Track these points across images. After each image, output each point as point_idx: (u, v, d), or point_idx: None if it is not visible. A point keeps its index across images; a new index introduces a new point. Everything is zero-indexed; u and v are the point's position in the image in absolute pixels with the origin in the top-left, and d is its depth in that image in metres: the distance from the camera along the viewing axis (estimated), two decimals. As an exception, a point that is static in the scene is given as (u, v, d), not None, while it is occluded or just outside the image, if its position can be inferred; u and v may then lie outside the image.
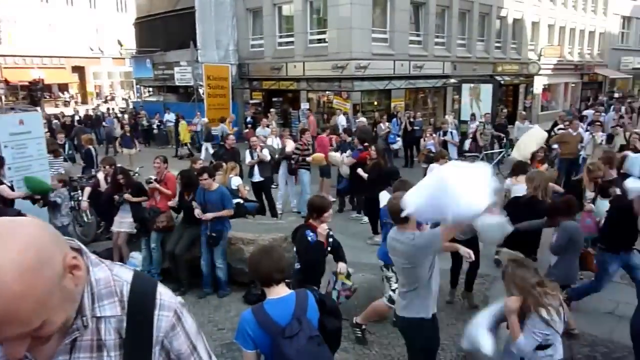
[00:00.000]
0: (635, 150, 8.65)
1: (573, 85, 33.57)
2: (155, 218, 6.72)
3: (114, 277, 1.22)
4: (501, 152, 14.39)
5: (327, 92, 19.86)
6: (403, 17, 20.12)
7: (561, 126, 12.65)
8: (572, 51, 31.93)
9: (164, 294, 1.27)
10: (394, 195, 3.76)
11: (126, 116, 23.99)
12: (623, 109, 18.45)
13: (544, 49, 28.70)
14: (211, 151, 16.84)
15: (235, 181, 7.85)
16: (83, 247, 1.21)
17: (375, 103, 20.41)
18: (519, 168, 7.20)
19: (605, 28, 34.13)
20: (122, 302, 1.20)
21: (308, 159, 10.28)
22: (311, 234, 4.38)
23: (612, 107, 20.63)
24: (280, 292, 2.74)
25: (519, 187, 6.41)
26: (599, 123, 11.62)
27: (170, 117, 20.66)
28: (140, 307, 1.21)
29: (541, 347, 3.29)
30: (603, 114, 16.85)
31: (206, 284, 6.50)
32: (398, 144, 14.68)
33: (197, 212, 6.17)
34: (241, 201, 7.60)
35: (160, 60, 24.98)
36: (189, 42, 20.86)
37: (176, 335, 1.26)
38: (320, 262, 4.59)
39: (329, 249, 4.55)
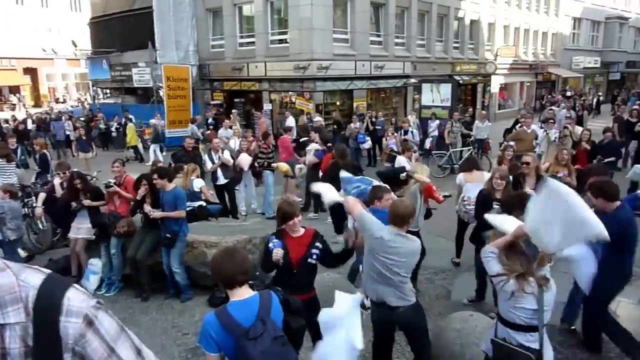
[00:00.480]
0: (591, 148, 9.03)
1: (528, 84, 34.71)
2: (116, 223, 6.56)
3: (19, 282, 1.16)
4: (469, 149, 14.72)
5: (289, 93, 19.83)
6: (363, 18, 20.32)
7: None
8: (526, 51, 32.98)
9: (73, 298, 1.19)
10: (401, 201, 4.06)
11: (82, 118, 23.26)
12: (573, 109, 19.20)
13: (500, 49, 29.57)
14: (159, 153, 16.55)
15: (198, 183, 7.75)
16: None
17: (338, 103, 20.53)
18: (471, 163, 7.37)
19: (557, 29, 35.42)
20: (27, 309, 1.15)
21: (273, 165, 10.23)
22: (275, 240, 4.00)
23: (563, 105, 21.47)
24: (243, 293, 2.72)
25: (472, 186, 6.55)
26: (552, 120, 12.05)
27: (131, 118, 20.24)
28: (44, 314, 1.15)
29: (524, 328, 3.33)
30: (562, 110, 17.51)
31: (169, 288, 6.40)
32: (368, 144, 14.76)
33: (147, 208, 6.17)
34: (204, 204, 7.50)
35: (117, 61, 24.35)
36: (147, 42, 20.42)
37: (88, 342, 1.20)
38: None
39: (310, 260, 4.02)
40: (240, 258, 2.79)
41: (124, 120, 19.60)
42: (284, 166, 10.30)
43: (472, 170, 7.07)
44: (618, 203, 4.54)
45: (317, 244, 4.05)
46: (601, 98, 34.03)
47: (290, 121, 15.90)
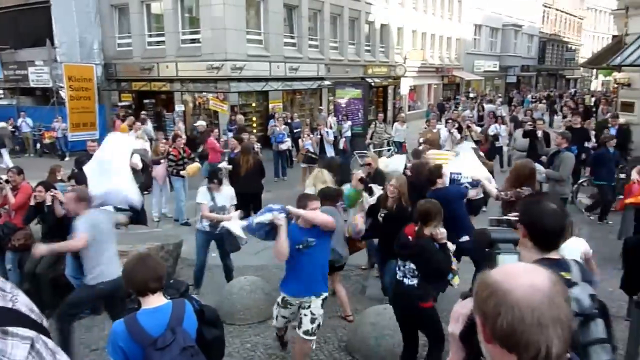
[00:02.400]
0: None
1: (435, 86, 36.61)
2: (11, 236, 6.03)
3: None
4: (389, 149, 15.24)
5: (203, 94, 19.38)
6: (276, 19, 20.35)
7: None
8: (433, 55, 34.78)
9: None
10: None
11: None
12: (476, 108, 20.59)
13: (408, 53, 30.95)
14: (7, 157, 15.52)
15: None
16: None
17: (253, 104, 20.38)
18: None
19: (460, 34, 37.68)
20: None
21: (182, 172, 9.69)
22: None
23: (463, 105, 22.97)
24: (156, 301, 2.66)
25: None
26: (451, 120, 12.82)
27: (29, 121, 18.72)
28: None
29: None
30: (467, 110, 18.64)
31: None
32: (287, 144, 14.70)
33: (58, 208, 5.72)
34: (112, 210, 7.11)
35: (10, 59, 22.34)
36: (45, 39, 18.98)
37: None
38: None
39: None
40: (154, 264, 2.73)
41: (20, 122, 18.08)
42: (194, 168, 9.93)
43: None
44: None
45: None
46: (500, 99, 36.68)
47: (200, 123, 15.37)
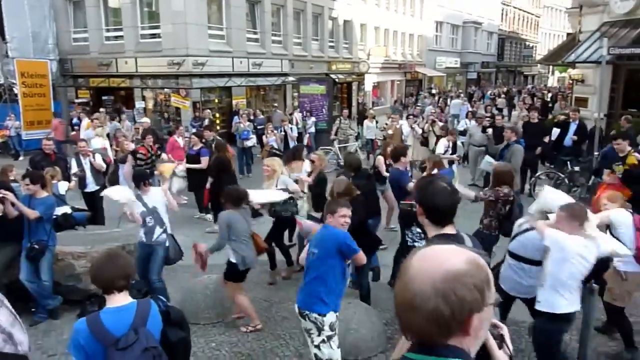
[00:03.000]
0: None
1: (398, 82, 37.05)
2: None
3: None
4: (353, 145, 15.34)
5: (165, 90, 18.98)
6: (239, 14, 20.11)
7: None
8: (396, 51, 35.15)
9: None
10: None
11: None
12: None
13: (371, 49, 31.17)
14: None
15: (63, 186, 7.07)
16: None
17: (216, 101, 20.11)
18: (291, 153, 7.72)
19: (422, 31, 38.23)
20: None
21: (156, 172, 9.45)
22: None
23: (427, 101, 23.36)
24: (121, 300, 2.62)
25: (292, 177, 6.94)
26: (413, 116, 13.03)
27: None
28: None
29: None
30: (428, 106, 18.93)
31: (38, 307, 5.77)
32: (252, 141, 14.51)
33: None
34: (69, 210, 6.88)
35: (-43, 54, 21.32)
36: (-5, 33, 18.19)
37: None
38: None
39: None
40: (123, 262, 2.70)
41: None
42: (167, 167, 9.65)
43: (292, 160, 7.32)
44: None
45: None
46: (461, 95, 37.47)
47: (145, 120, 14.90)
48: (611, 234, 4.37)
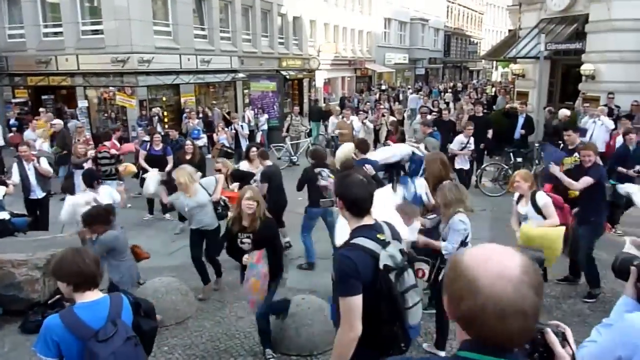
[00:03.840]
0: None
1: (349, 78, 37.36)
2: None
3: None
4: (305, 141, 15.30)
5: (110, 88, 18.30)
6: (186, 10, 19.67)
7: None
8: (345, 48, 35.40)
9: None
10: None
11: None
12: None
13: (321, 46, 31.26)
14: None
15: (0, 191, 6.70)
16: None
17: (164, 99, 19.60)
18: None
19: (371, 28, 38.65)
20: None
21: (121, 168, 9.11)
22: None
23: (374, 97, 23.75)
24: (93, 296, 2.61)
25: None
26: (363, 112, 13.20)
27: None
28: None
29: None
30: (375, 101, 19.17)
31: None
32: (203, 141, 14.18)
33: None
34: (7, 216, 6.54)
35: None
36: None
37: None
38: None
39: None
40: (94, 258, 2.68)
41: None
42: (131, 168, 9.27)
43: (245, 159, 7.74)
44: None
45: None
46: (410, 91, 38.27)
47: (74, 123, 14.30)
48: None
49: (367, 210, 2.55)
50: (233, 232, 4.60)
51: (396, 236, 2.64)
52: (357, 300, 2.39)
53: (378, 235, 2.50)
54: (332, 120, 15.21)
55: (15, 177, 7.85)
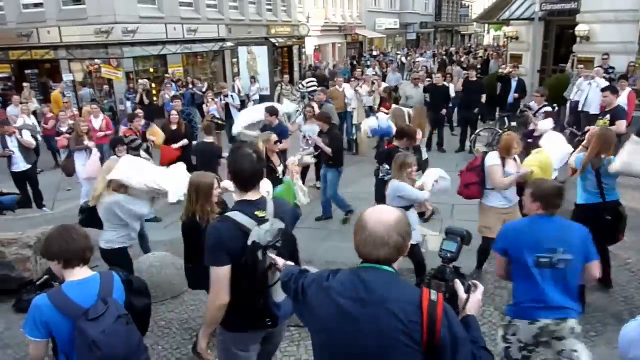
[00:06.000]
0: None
1: (339, 45, 36.75)
2: None
3: None
4: (297, 111, 15.04)
5: (96, 61, 17.86)
6: (170, -23, 19.08)
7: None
8: (335, 14, 34.69)
9: None
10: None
11: None
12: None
13: (311, 12, 30.61)
14: None
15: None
16: None
17: (152, 70, 19.18)
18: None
19: (360, -8, 37.86)
20: None
21: (152, 138, 8.50)
22: None
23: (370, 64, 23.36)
24: (83, 274, 2.52)
25: None
26: (356, 79, 12.95)
27: None
28: None
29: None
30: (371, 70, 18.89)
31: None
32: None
33: None
34: (-6, 196, 6.41)
35: None
36: None
37: None
38: None
39: None
40: (84, 233, 2.59)
41: None
42: (156, 131, 8.69)
43: None
44: None
45: None
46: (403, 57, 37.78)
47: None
48: None
49: (253, 185, 2.60)
50: None
51: (282, 215, 2.66)
52: (224, 271, 2.50)
53: (257, 212, 2.54)
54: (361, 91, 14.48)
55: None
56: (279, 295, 2.60)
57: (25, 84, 15.87)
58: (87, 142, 8.27)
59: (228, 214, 2.58)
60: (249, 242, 2.46)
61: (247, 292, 2.55)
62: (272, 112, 7.57)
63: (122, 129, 9.12)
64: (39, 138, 10.59)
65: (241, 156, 2.56)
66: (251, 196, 2.59)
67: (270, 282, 2.58)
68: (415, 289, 1.80)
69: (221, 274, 2.50)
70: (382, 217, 1.80)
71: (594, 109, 9.48)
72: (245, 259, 2.46)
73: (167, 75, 17.87)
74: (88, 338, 2.33)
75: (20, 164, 8.16)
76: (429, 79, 12.15)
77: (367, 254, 1.80)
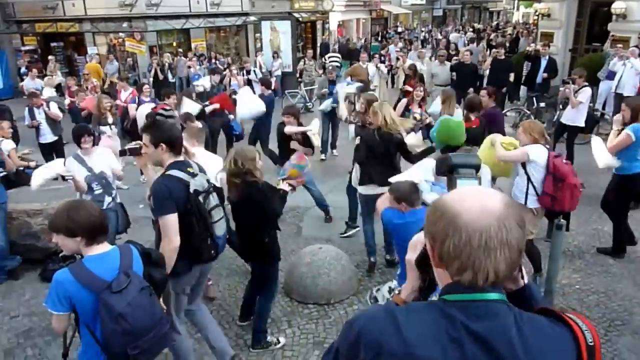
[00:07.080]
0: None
1: (364, 21, 36.08)
2: None
3: None
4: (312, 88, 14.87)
5: (120, 34, 17.89)
6: (193, -50, 18.86)
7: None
8: (360, -12, 33.99)
9: None
10: None
11: None
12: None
13: (335, -14, 29.97)
14: None
15: (7, 145, 6.48)
16: None
17: (175, 44, 19.16)
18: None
19: (385, -34, 36.87)
20: None
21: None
22: None
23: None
24: (102, 248, 2.54)
25: None
26: (378, 56, 12.71)
27: None
28: None
29: None
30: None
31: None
32: (203, 82, 13.71)
33: None
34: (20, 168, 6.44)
35: None
36: None
37: None
38: None
39: None
40: (98, 209, 2.64)
41: None
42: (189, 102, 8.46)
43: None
44: None
45: None
46: (426, 34, 36.92)
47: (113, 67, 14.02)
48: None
49: (180, 149, 3.19)
50: None
51: (202, 170, 3.32)
52: (173, 218, 3.03)
53: (188, 169, 3.15)
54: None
55: (27, 122, 8.34)
56: (221, 230, 3.34)
57: (50, 57, 16.02)
58: (110, 119, 8.14)
59: (168, 172, 3.09)
60: (191, 190, 3.08)
61: (195, 232, 3.12)
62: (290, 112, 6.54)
63: (131, 107, 8.65)
64: (65, 110, 10.71)
65: (172, 125, 3.27)
66: (180, 158, 3.19)
67: (214, 220, 3.27)
68: (560, 328, 1.17)
69: (173, 220, 3.02)
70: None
71: (627, 91, 9.14)
72: (191, 204, 3.07)
73: (199, 49, 17.86)
74: (114, 311, 2.34)
75: (47, 136, 8.35)
76: (455, 58, 11.85)
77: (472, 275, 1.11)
